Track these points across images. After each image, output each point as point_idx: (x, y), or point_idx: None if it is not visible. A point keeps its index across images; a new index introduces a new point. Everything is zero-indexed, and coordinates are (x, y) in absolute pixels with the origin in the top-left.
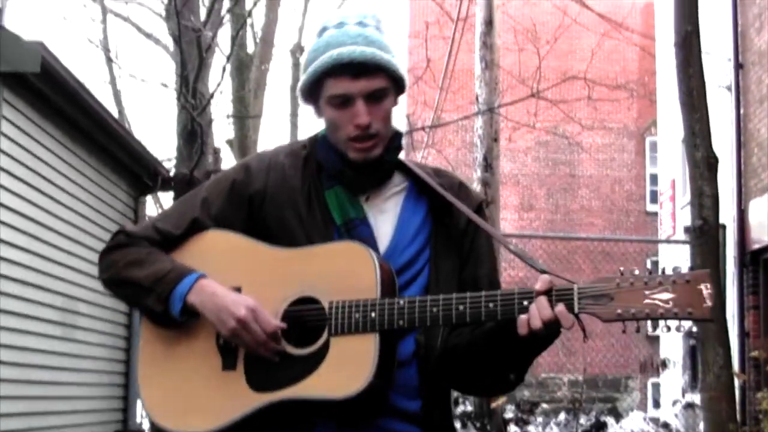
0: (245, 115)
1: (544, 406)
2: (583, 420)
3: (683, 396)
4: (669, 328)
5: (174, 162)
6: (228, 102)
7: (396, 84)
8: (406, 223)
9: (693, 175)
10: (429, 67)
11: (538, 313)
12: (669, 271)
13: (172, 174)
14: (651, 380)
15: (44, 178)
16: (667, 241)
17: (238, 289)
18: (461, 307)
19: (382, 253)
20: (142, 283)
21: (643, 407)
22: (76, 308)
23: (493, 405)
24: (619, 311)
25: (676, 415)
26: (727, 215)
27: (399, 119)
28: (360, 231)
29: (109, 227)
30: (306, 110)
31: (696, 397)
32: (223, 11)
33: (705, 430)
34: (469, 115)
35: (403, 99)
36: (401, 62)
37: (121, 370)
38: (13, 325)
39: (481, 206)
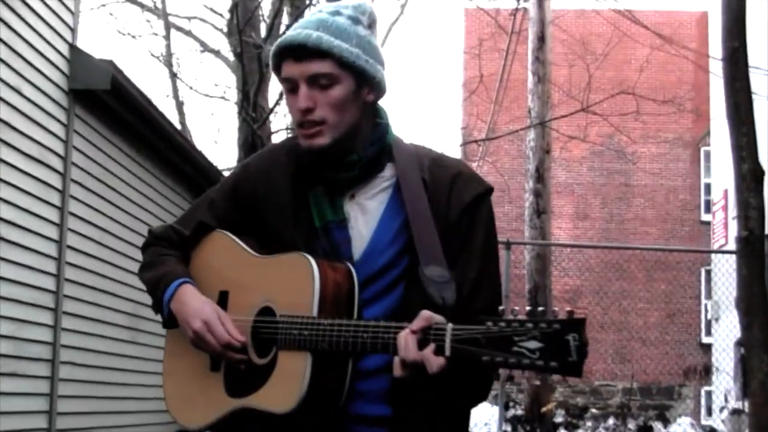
0: None
1: (594, 411)
2: (631, 425)
3: (726, 401)
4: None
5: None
6: (287, 114)
7: (356, 73)
8: (386, 225)
9: (739, 187)
10: (482, 81)
11: (404, 352)
12: (549, 314)
13: None
14: (704, 388)
15: (113, 188)
16: (716, 251)
17: (226, 293)
18: (366, 337)
19: (357, 258)
20: (148, 287)
21: (696, 415)
22: (142, 313)
23: (544, 409)
24: (485, 358)
25: (723, 421)
26: None
27: (455, 132)
28: (335, 235)
29: None
30: None
31: (744, 404)
32: (283, 27)
33: None
34: (520, 129)
35: (457, 112)
36: (372, 54)
37: None
38: (84, 328)
39: (481, 198)
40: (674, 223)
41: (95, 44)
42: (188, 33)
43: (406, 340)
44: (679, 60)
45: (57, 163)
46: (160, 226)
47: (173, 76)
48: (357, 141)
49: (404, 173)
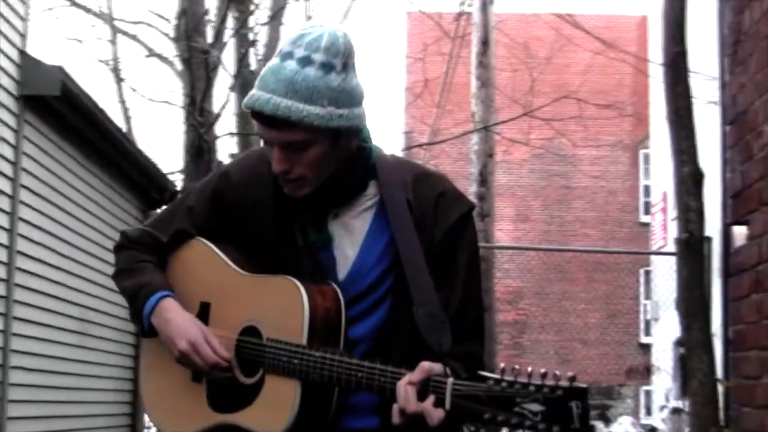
0: (249, 132)
1: None
2: None
3: (667, 401)
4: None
5: (181, 177)
6: (231, 117)
7: (331, 131)
8: (371, 245)
9: (679, 190)
10: (427, 86)
11: (404, 402)
12: (549, 377)
13: (179, 188)
14: (643, 388)
15: (62, 194)
16: (656, 252)
17: (208, 305)
18: (360, 376)
19: (342, 278)
20: (126, 295)
21: (635, 414)
22: (90, 318)
23: None
24: (487, 416)
25: (663, 420)
26: (715, 227)
27: (397, 137)
28: (321, 257)
29: None
30: None
31: (684, 403)
32: (230, 32)
33: None
34: (464, 132)
35: (400, 116)
36: (346, 102)
37: (129, 377)
38: (33, 333)
39: (465, 218)
40: (614, 224)
41: (40, 48)
42: (134, 38)
43: (406, 391)
44: (619, 63)
45: (7, 169)
46: (134, 229)
47: (119, 80)
48: (341, 172)
49: (388, 194)
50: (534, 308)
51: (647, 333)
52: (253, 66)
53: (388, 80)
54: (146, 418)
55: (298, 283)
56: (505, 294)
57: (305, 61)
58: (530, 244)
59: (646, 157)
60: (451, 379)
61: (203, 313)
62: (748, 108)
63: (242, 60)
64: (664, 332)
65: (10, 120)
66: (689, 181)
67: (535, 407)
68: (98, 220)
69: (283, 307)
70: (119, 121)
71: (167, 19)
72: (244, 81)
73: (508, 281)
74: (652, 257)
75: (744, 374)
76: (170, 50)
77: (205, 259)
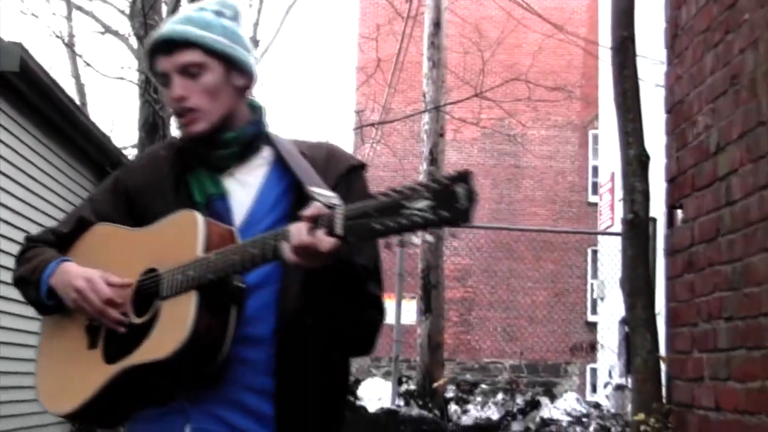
0: None
1: (484, 386)
2: (519, 400)
3: (610, 377)
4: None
5: (135, 151)
6: None
7: (226, 60)
8: (266, 194)
9: (626, 172)
10: (380, 66)
11: (296, 237)
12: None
13: None
14: (589, 366)
15: (19, 169)
16: (603, 232)
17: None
18: (254, 250)
19: (238, 225)
20: (25, 277)
21: (581, 392)
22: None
23: (435, 385)
24: (377, 226)
25: (607, 397)
26: (661, 208)
27: (348, 115)
28: (216, 206)
29: None
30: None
31: (627, 380)
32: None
33: (632, 409)
34: (416, 112)
35: (352, 95)
36: (238, 42)
37: None
38: None
39: (353, 170)
40: (562, 204)
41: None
42: (89, 13)
43: (297, 226)
44: (569, 45)
45: None
46: (37, 232)
47: (74, 56)
48: (234, 122)
49: (285, 149)
50: (482, 286)
51: (594, 312)
52: None
53: (340, 59)
54: None
55: (191, 210)
56: (453, 271)
57: (200, 9)
58: (479, 223)
59: (595, 138)
60: (341, 207)
61: None
62: (684, 98)
63: None
64: (610, 311)
65: None
66: (635, 162)
67: (422, 203)
68: (54, 194)
69: (178, 235)
70: (73, 96)
71: None
72: None
73: (457, 259)
74: (600, 237)
75: (678, 349)
76: (126, 27)
77: (103, 236)
